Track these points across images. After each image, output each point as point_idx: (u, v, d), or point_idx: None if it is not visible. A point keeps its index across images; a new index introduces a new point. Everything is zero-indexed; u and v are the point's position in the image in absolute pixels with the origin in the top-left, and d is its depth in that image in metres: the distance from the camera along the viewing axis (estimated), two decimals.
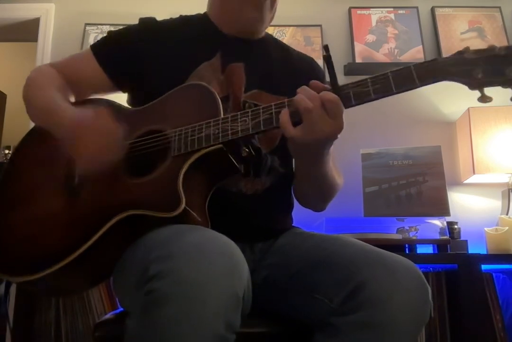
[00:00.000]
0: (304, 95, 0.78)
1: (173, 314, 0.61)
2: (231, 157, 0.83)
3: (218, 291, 0.63)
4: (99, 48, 1.05)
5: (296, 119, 0.79)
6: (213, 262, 0.64)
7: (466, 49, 0.76)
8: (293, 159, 1.03)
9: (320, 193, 1.01)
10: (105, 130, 0.86)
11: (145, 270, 0.65)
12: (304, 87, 0.80)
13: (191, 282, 0.62)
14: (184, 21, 1.10)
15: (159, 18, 1.10)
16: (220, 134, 0.82)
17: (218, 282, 0.63)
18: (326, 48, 0.79)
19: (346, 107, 0.78)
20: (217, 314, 0.62)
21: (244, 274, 0.69)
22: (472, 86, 0.75)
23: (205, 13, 1.11)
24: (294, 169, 1.03)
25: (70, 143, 0.87)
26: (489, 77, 0.73)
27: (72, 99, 1.04)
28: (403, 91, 0.77)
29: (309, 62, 1.16)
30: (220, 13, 1.07)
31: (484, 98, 0.75)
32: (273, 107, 0.81)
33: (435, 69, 0.76)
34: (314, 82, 0.81)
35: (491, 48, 0.74)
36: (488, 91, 0.75)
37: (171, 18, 1.10)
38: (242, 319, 0.67)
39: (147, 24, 1.06)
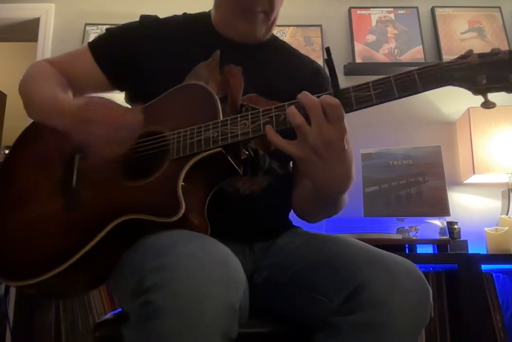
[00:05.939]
0: (304, 103, 0.74)
1: (169, 327, 0.60)
2: (231, 160, 0.82)
3: (214, 303, 0.62)
4: (96, 46, 1.03)
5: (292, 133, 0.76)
6: (209, 274, 0.63)
7: (470, 52, 0.74)
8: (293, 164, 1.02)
9: (323, 212, 0.99)
10: (116, 114, 0.82)
11: (141, 280, 0.64)
12: (306, 94, 0.76)
13: (187, 294, 0.61)
14: (186, 19, 1.08)
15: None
16: (220, 138, 0.80)
17: (214, 294, 0.62)
18: (327, 50, 0.77)
19: (347, 112, 0.75)
20: (214, 327, 0.61)
21: (241, 285, 0.68)
22: (476, 92, 0.74)
23: (209, 12, 1.09)
24: (296, 179, 1.02)
25: (78, 131, 0.83)
26: (493, 83, 0.72)
27: (70, 96, 1.02)
28: (405, 96, 0.75)
29: (315, 68, 1.12)
30: (217, 21, 1.06)
31: (487, 104, 0.74)
32: (273, 110, 0.79)
33: (438, 75, 0.74)
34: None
35: (495, 52, 0.73)
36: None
37: (174, 15, 1.08)
38: (239, 326, 0.67)
39: (147, 22, 1.05)
